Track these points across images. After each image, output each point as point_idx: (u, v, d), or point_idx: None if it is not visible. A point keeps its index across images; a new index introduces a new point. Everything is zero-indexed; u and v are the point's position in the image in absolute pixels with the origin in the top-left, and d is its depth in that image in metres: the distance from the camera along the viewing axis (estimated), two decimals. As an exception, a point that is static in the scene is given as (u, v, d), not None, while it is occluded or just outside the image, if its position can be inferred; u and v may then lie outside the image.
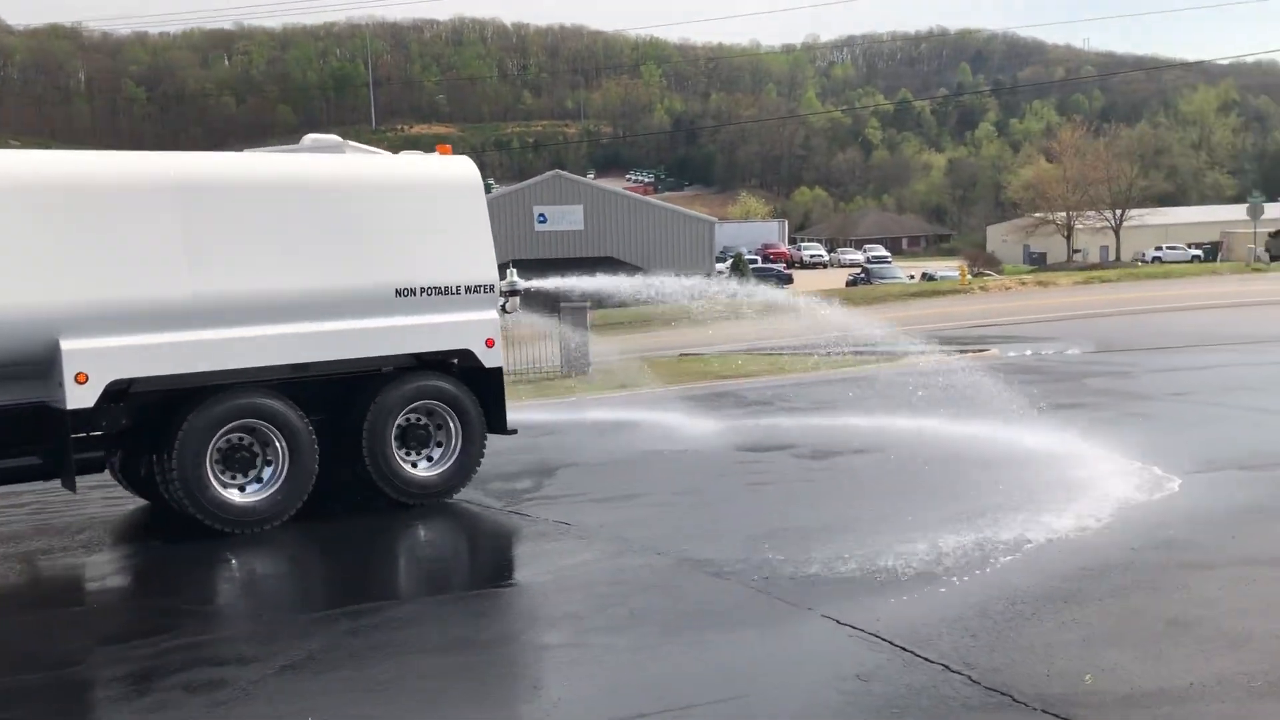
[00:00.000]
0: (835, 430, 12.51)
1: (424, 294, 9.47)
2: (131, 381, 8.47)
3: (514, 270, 10.33)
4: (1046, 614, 6.11)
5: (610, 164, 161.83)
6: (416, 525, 9.27)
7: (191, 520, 8.77)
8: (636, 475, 10.74)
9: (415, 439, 9.63)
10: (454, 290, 9.59)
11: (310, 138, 10.45)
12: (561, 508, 9.40)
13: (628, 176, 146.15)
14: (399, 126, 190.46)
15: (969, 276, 54.14)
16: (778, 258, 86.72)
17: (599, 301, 20.72)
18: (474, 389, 9.77)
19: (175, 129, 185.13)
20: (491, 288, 9.80)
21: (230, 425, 8.79)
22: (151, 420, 8.70)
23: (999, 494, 8.76)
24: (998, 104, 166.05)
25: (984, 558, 7.14)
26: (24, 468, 8.75)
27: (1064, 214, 75.35)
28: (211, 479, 8.73)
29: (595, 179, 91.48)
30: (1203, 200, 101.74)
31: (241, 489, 8.92)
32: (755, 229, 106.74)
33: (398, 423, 9.46)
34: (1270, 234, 70.46)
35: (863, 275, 61.86)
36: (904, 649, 5.64)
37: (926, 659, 5.50)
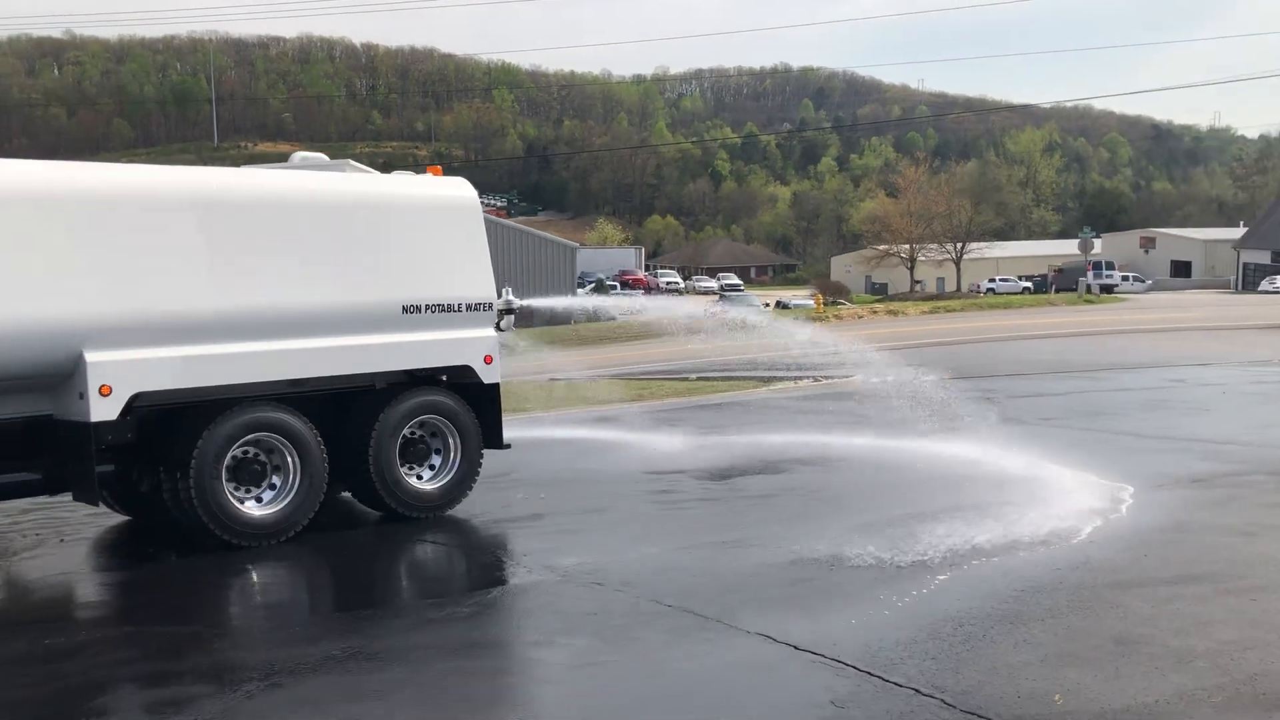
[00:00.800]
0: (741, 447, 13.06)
1: (428, 311, 9.78)
2: (152, 394, 8.55)
3: (509, 289, 10.70)
4: (997, 634, 6.35)
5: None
6: (417, 539, 9.54)
7: (196, 534, 8.88)
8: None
9: (415, 453, 9.89)
10: (456, 308, 9.93)
11: (299, 156, 10.64)
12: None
13: (481, 200, 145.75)
14: (242, 144, 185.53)
15: (823, 305, 56.00)
16: (636, 284, 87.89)
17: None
18: (472, 404, 10.09)
19: (2, 139, 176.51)
20: (490, 306, 10.16)
21: (245, 438, 8.93)
22: (166, 433, 8.77)
23: (911, 507, 9.40)
24: (839, 140, 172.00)
25: (916, 575, 7.51)
26: (25, 483, 8.72)
27: (908, 246, 78.72)
28: (227, 492, 8.84)
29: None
30: (1030, 235, 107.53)
31: (254, 501, 9.06)
32: (612, 255, 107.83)
33: (401, 436, 9.71)
34: (1055, 270, 75.79)
35: (719, 303, 63.49)
36: (870, 674, 5.76)
37: (895, 684, 5.62)
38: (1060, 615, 6.67)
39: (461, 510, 10.06)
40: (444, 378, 10.18)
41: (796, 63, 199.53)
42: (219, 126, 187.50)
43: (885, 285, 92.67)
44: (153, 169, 9.37)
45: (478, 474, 10.17)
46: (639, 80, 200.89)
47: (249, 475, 9.05)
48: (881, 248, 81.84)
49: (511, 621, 7.29)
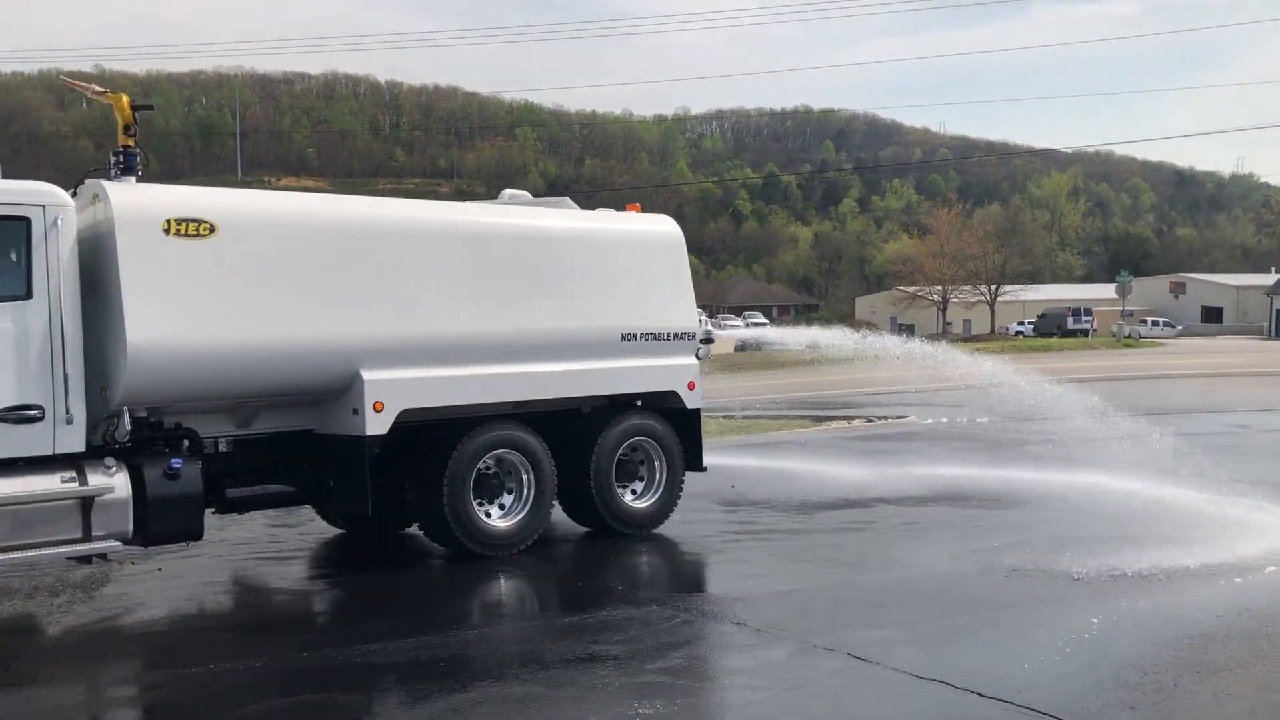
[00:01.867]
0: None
1: (642, 339, 10.44)
2: (415, 411, 9.19)
3: (706, 319, 11.34)
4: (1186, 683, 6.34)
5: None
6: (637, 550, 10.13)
7: (438, 543, 9.50)
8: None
9: (625, 473, 10.52)
10: (665, 336, 10.58)
11: (508, 193, 11.33)
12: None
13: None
14: (266, 178, 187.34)
15: (862, 344, 56.30)
16: None
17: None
18: (675, 428, 10.71)
19: (27, 170, 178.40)
20: (694, 335, 10.82)
21: (489, 454, 9.56)
22: (422, 448, 9.39)
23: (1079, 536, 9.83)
24: (860, 181, 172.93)
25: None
26: (278, 494, 9.35)
27: (939, 287, 79.28)
28: (473, 505, 9.46)
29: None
30: (1055, 279, 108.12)
31: (491, 514, 9.67)
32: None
33: (616, 456, 10.33)
34: (1039, 315, 76.64)
35: (751, 342, 63.99)
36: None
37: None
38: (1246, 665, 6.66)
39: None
40: (640, 402, 10.81)
41: (817, 104, 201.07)
42: (243, 161, 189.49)
43: (912, 326, 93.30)
44: (414, 204, 10.11)
45: (680, 495, 10.77)
46: (660, 120, 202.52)
47: (488, 489, 9.68)
48: (912, 289, 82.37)
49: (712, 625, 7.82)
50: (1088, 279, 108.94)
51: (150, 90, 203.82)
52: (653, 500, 10.60)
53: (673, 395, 10.68)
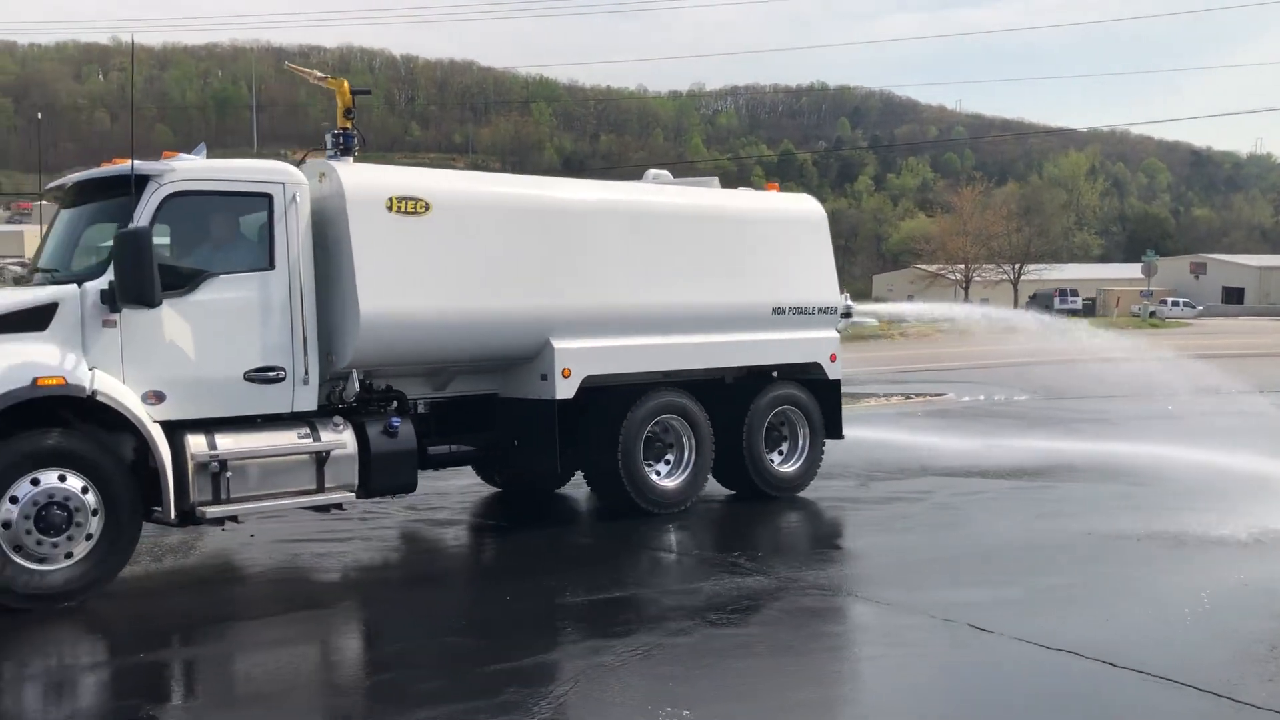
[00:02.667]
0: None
1: (791, 312, 11.18)
2: (596, 377, 9.94)
3: (847, 295, 12.06)
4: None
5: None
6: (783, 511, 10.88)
7: (608, 501, 10.27)
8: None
9: (772, 439, 11.25)
10: (810, 310, 11.33)
11: (651, 173, 12.02)
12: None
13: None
14: (282, 151, 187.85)
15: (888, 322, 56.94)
16: None
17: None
18: (817, 398, 11.44)
19: (45, 142, 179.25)
20: (835, 309, 11.55)
21: (656, 419, 10.30)
22: (599, 412, 10.12)
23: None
24: (876, 159, 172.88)
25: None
26: (461, 453, 10.10)
27: (962, 266, 79.76)
28: (644, 465, 10.22)
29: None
30: (1072, 259, 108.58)
31: (656, 474, 10.42)
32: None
33: (766, 423, 11.07)
34: (1030, 296, 77.24)
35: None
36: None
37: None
38: None
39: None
40: (775, 373, 11.53)
41: (833, 81, 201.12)
42: (258, 134, 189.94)
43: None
44: (595, 184, 10.85)
45: (820, 461, 11.52)
46: (675, 96, 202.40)
47: (653, 452, 10.43)
48: (933, 267, 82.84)
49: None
50: (1104, 259, 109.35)
51: (167, 62, 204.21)
52: (797, 465, 11.35)
53: (816, 366, 11.42)
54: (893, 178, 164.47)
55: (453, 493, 11.76)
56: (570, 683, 6.01)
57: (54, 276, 8.50)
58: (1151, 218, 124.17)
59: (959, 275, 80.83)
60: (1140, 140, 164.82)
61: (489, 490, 11.87)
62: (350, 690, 6.21)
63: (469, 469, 11.44)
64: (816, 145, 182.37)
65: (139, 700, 5.90)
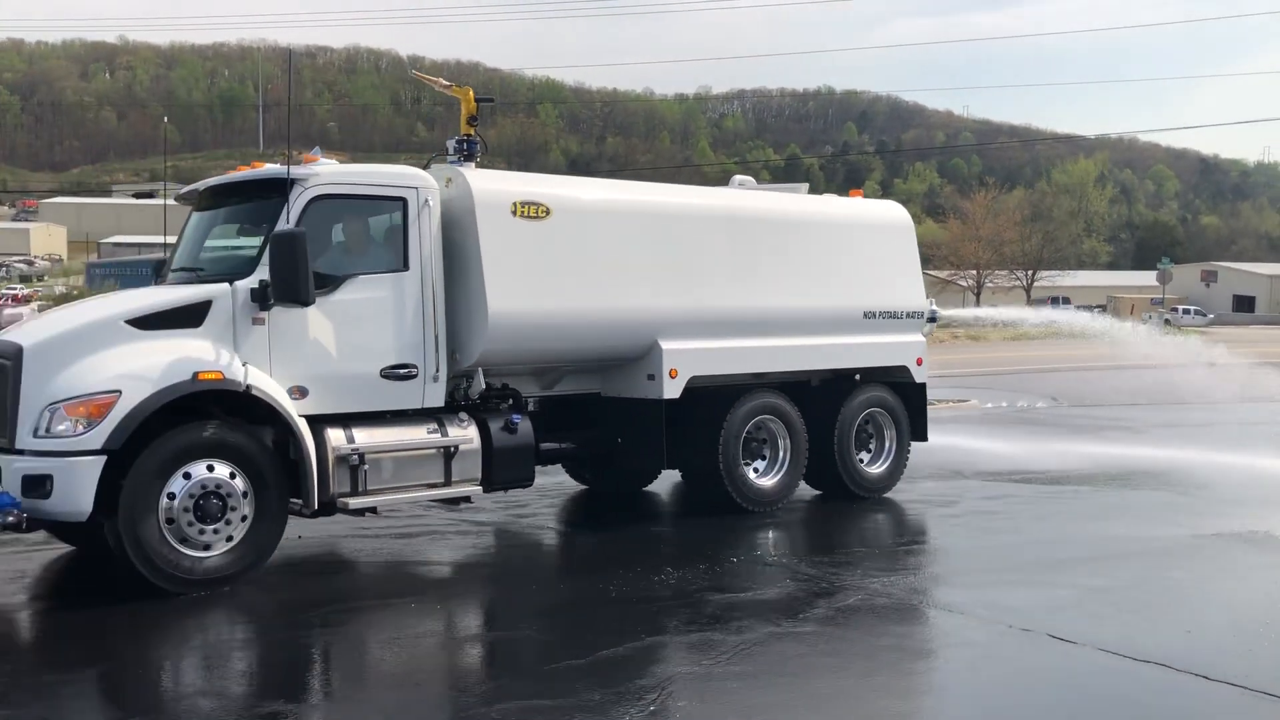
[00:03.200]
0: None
1: (880, 317, 11.50)
2: (700, 378, 10.26)
3: (933, 300, 12.37)
4: None
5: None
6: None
7: (703, 499, 10.57)
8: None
9: (858, 441, 11.55)
10: (899, 314, 11.64)
11: (737, 179, 12.34)
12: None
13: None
14: (289, 152, 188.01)
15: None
16: None
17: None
18: (904, 401, 11.75)
19: (51, 140, 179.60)
20: (922, 314, 11.86)
21: (754, 420, 10.62)
22: (702, 412, 10.41)
23: None
24: (882, 164, 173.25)
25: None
26: (572, 450, 10.39)
27: (974, 272, 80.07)
28: (743, 464, 10.54)
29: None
30: (1080, 266, 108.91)
31: (753, 473, 10.73)
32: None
33: (856, 425, 11.38)
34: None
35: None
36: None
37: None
38: None
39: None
40: (858, 376, 11.83)
41: (840, 85, 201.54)
42: (264, 134, 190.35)
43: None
44: (697, 190, 11.16)
45: (906, 464, 11.82)
46: (682, 99, 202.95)
47: (749, 451, 10.74)
48: (945, 274, 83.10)
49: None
50: (1113, 266, 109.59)
51: (173, 61, 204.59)
52: (885, 466, 11.65)
53: (902, 370, 11.73)
54: (899, 183, 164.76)
55: (540, 490, 12.06)
56: (656, 691, 5.99)
57: (198, 275, 8.81)
58: (1160, 225, 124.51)
59: (970, 281, 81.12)
60: (1148, 147, 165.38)
61: (576, 487, 12.16)
62: (469, 675, 6.49)
63: (556, 466, 11.71)
64: (823, 150, 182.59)
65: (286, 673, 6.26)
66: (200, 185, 9.64)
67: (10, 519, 7.41)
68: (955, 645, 6.94)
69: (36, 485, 7.54)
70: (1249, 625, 7.22)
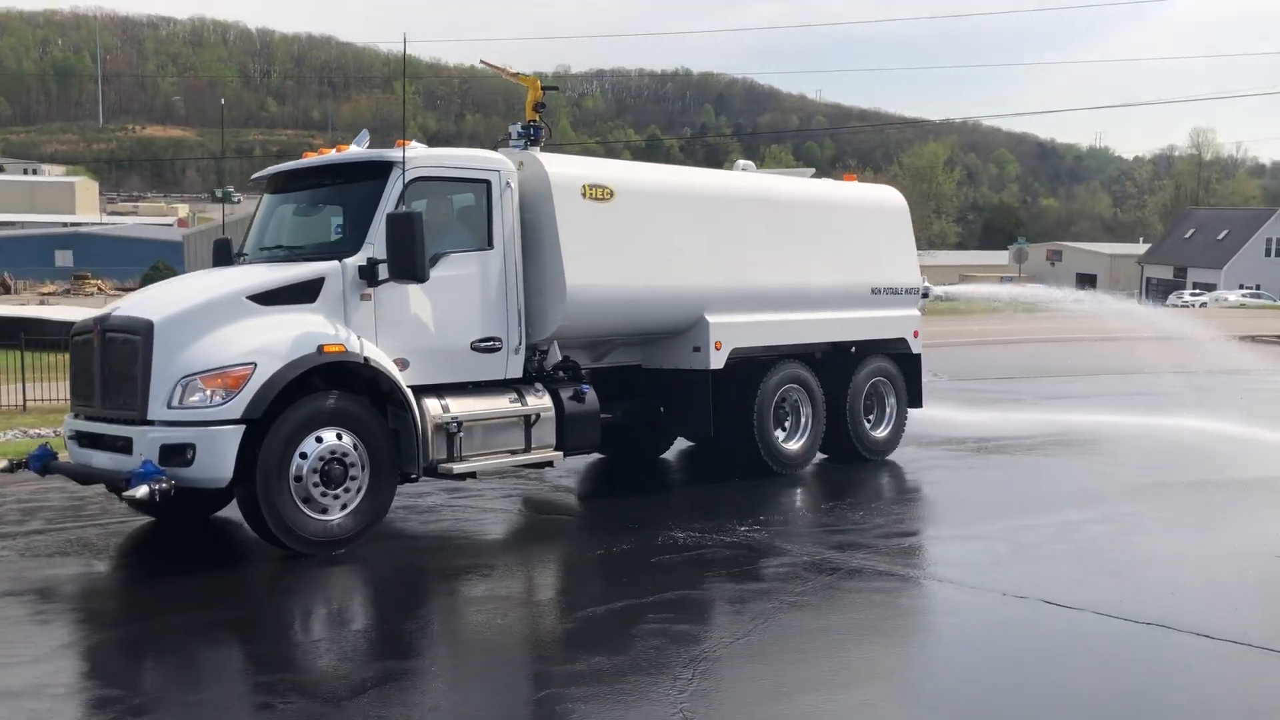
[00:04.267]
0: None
1: (884, 293, 12.44)
2: (740, 350, 11.02)
3: (926, 277, 13.34)
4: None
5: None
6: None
7: (739, 461, 11.35)
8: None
9: (865, 407, 12.47)
10: (900, 290, 12.61)
11: (740, 163, 13.10)
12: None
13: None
14: (129, 126, 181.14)
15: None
16: None
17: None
18: (902, 371, 12.72)
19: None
20: (917, 290, 12.84)
21: (782, 388, 11.44)
22: (737, 382, 11.16)
23: None
24: (740, 146, 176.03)
25: None
26: (618, 419, 11.00)
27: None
28: (774, 430, 11.35)
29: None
30: (930, 246, 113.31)
31: (781, 438, 11.55)
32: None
33: (863, 395, 12.30)
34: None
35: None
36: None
37: None
38: None
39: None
40: (854, 349, 12.77)
41: (696, 68, 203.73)
42: (104, 107, 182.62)
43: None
44: (737, 175, 11.89)
45: (904, 427, 12.79)
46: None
47: (776, 418, 11.55)
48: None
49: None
50: (960, 246, 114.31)
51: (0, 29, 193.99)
52: (887, 431, 12.61)
53: (902, 342, 12.69)
54: (756, 164, 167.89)
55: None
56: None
57: (295, 254, 9.16)
58: (1005, 207, 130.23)
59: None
60: (990, 132, 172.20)
61: (584, 459, 12.63)
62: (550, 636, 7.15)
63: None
64: (682, 131, 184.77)
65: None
66: (283, 168, 9.93)
67: (163, 485, 7.70)
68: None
69: (177, 454, 7.85)
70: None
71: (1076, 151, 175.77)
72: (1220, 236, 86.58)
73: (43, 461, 8.91)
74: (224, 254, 10.27)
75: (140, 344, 8.08)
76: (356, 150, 9.58)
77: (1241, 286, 78.16)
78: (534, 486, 11.31)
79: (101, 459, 8.38)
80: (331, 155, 9.67)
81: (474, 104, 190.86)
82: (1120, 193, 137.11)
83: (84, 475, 8.71)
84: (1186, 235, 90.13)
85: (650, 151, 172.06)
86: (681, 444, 12.99)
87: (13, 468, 9.55)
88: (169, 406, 7.97)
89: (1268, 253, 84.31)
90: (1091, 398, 18.93)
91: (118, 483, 8.01)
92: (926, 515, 10.45)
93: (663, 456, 12.83)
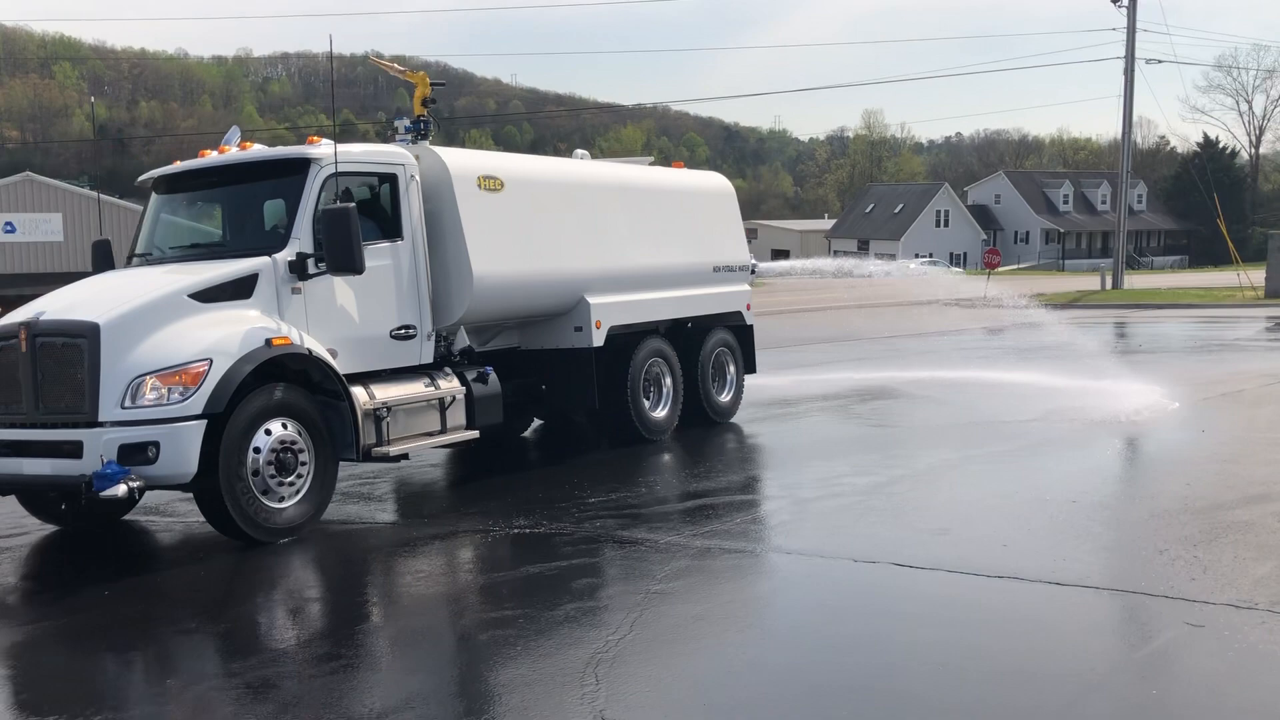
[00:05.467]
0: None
1: (722, 270, 13.50)
2: (615, 328, 11.77)
3: (753, 255, 14.44)
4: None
5: (15, 171, 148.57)
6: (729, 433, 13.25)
7: (614, 432, 12.15)
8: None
9: (713, 375, 13.50)
10: (734, 268, 13.70)
11: (578, 152, 13.79)
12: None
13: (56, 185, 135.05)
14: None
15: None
16: None
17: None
18: (739, 340, 13.84)
19: None
20: (749, 267, 13.98)
21: (649, 362, 12.29)
22: (611, 357, 11.89)
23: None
24: (439, 130, 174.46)
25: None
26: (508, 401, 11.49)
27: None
28: (644, 401, 12.18)
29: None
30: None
31: (650, 407, 12.40)
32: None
33: (711, 363, 13.33)
34: None
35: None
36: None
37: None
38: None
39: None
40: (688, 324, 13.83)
41: (388, 50, 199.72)
42: None
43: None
44: (607, 165, 12.66)
45: (743, 392, 13.93)
46: (220, 61, 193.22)
47: (645, 389, 12.40)
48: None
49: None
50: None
51: None
52: (729, 396, 13.71)
53: (738, 315, 13.81)
54: (474, 148, 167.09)
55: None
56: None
57: (216, 251, 9.17)
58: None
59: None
60: (680, 116, 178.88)
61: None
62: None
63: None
64: (376, 116, 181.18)
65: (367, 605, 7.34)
66: (184, 167, 9.81)
67: (135, 483, 7.67)
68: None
69: (138, 452, 7.83)
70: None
71: (759, 134, 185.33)
72: (897, 210, 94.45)
73: (-56, 474, 8.53)
74: (106, 254, 10.06)
75: (86, 346, 7.96)
76: (264, 149, 9.64)
77: (917, 255, 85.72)
78: (414, 469, 11.63)
79: (34, 465, 8.16)
80: (247, 152, 9.66)
81: (148, 90, 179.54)
82: (801, 173, 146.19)
83: (8, 484, 8.45)
84: (867, 210, 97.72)
85: (346, 136, 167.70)
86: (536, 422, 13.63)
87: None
88: (122, 407, 7.91)
89: (937, 224, 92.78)
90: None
91: (67, 486, 7.90)
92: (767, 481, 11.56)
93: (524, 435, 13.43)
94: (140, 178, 10.27)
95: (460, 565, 8.11)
